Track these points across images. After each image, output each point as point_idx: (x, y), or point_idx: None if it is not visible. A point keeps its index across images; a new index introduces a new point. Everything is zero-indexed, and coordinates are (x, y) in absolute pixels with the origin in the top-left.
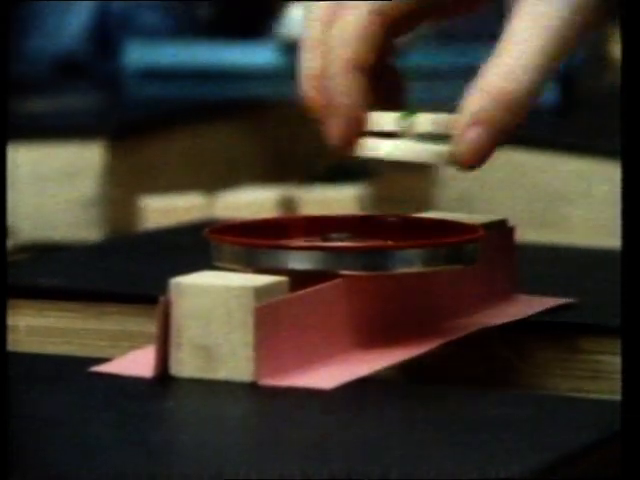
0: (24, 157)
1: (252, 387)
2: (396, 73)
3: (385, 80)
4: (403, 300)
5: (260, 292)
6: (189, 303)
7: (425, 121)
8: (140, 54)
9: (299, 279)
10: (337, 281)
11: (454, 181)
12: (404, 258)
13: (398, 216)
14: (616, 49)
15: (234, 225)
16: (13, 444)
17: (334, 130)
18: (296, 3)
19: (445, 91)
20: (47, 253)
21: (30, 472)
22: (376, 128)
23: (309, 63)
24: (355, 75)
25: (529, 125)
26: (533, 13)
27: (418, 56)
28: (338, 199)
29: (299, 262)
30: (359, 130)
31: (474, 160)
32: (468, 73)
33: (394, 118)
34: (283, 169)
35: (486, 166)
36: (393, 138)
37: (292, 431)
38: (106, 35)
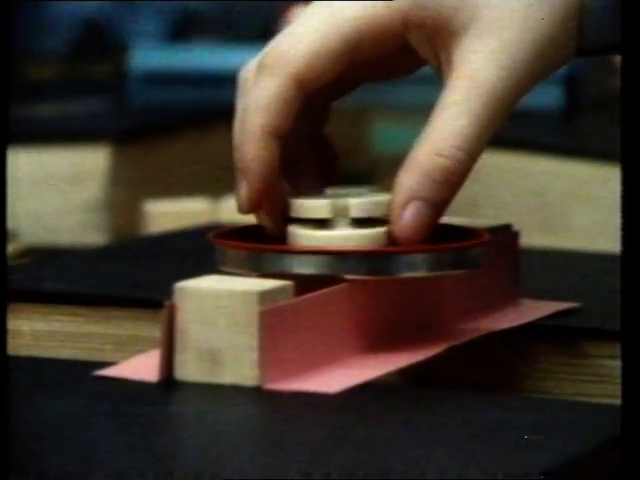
0: (29, 161)
1: (256, 391)
2: (329, 145)
3: (319, 152)
4: (407, 305)
5: (264, 296)
6: (194, 307)
7: (358, 206)
8: (145, 59)
9: (304, 283)
10: (342, 285)
11: None
12: (409, 262)
13: None
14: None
15: (239, 229)
16: (17, 448)
17: (240, 193)
18: (299, 7)
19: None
20: (52, 257)
21: (32, 476)
22: (309, 215)
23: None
24: (267, 142)
25: (533, 130)
26: (465, 82)
27: None
28: None
29: (304, 266)
30: (265, 196)
31: (415, 237)
32: None
33: (326, 206)
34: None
35: (490, 171)
36: (325, 226)
37: (296, 435)
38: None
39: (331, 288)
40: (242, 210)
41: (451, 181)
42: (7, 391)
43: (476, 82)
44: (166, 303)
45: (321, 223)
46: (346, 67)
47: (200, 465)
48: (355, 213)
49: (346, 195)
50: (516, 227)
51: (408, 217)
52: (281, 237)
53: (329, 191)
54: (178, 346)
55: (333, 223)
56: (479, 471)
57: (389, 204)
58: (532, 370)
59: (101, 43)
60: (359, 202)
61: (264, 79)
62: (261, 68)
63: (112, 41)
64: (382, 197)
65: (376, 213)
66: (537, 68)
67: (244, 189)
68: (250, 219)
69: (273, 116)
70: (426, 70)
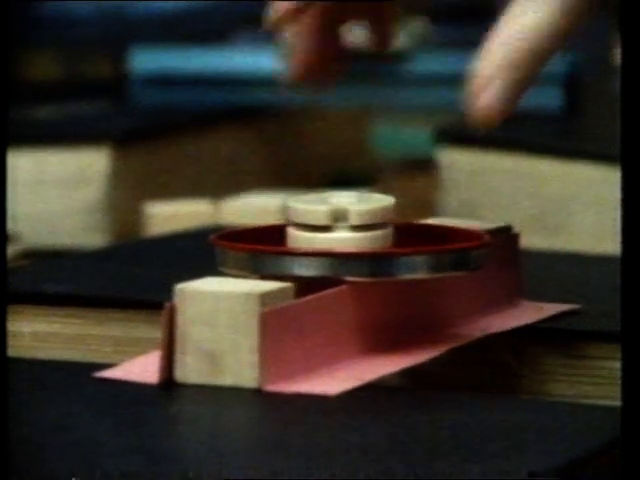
0: (29, 163)
1: (257, 393)
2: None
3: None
4: (408, 306)
5: (265, 298)
6: (194, 309)
7: (357, 214)
8: (146, 60)
9: (304, 285)
10: (342, 287)
11: (458, 188)
12: (409, 264)
13: (403, 222)
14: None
15: (240, 231)
16: (16, 450)
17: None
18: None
19: (449, 97)
20: (52, 259)
21: (32, 478)
22: (308, 222)
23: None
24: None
25: (533, 131)
26: None
27: (422, 62)
28: None
29: (304, 268)
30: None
31: (493, 116)
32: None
33: (325, 212)
34: (289, 175)
35: (490, 172)
36: (325, 229)
37: (296, 437)
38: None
39: (332, 290)
40: (270, 24)
41: (529, 62)
42: (7, 393)
43: None
44: (166, 305)
45: (321, 227)
46: None
47: (200, 467)
48: (354, 221)
49: (346, 199)
50: (516, 228)
51: (488, 94)
52: (281, 237)
53: (328, 194)
54: (178, 348)
55: (332, 228)
56: (479, 473)
57: (389, 210)
58: (532, 372)
59: (102, 44)
60: (358, 209)
61: None
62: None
63: (113, 42)
64: (381, 203)
65: (375, 220)
66: None
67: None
68: (250, 221)
69: None
70: (433, 72)
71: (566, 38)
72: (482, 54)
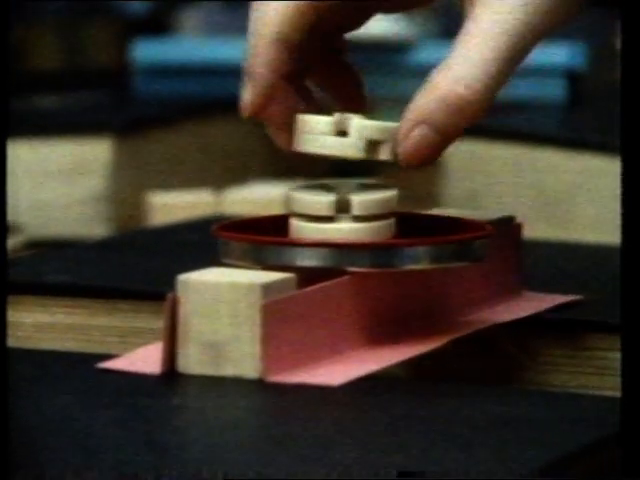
0: (31, 153)
1: (259, 384)
2: (353, 72)
3: (341, 78)
4: (410, 297)
5: (267, 289)
6: (196, 300)
7: (360, 204)
8: (148, 50)
9: (306, 276)
10: (344, 278)
11: (461, 178)
12: (412, 255)
13: (405, 213)
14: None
15: (242, 222)
16: (18, 440)
17: (245, 95)
18: None
19: None
20: (54, 249)
21: (35, 468)
22: (310, 212)
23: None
24: (277, 48)
25: (537, 121)
26: (489, 14)
27: (422, 53)
28: None
29: (307, 259)
30: (269, 101)
31: (418, 160)
32: None
33: (328, 203)
34: (291, 165)
35: (492, 163)
36: (328, 220)
37: (298, 428)
38: None
39: (334, 281)
40: (245, 112)
41: (465, 111)
42: (7, 383)
43: (500, 14)
44: (169, 295)
45: (323, 217)
46: None
47: (202, 457)
48: (357, 211)
49: (349, 188)
50: (518, 219)
51: (414, 138)
52: (283, 228)
53: (331, 182)
54: (181, 338)
55: (335, 219)
56: (480, 463)
57: (391, 200)
58: (534, 362)
59: (104, 33)
60: (361, 200)
61: None
62: None
63: (115, 31)
64: (384, 193)
65: (378, 211)
66: (561, 8)
67: (249, 91)
68: (253, 211)
69: (286, 25)
70: (435, 64)
71: (511, 76)
72: (424, 89)
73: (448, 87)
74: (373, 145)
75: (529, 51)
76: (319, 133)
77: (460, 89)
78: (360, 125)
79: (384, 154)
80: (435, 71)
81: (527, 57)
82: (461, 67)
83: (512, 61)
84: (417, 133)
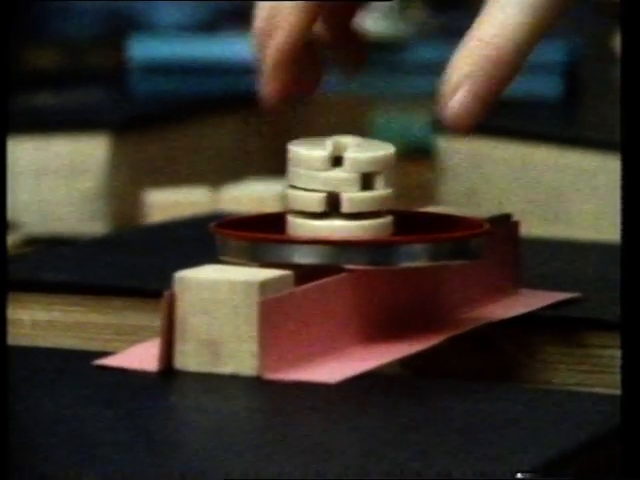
0: (29, 151)
1: (256, 381)
2: (356, 32)
3: (346, 40)
4: (408, 295)
5: (265, 286)
6: (193, 297)
7: (351, 202)
8: (145, 48)
9: (304, 273)
10: (342, 275)
11: (458, 176)
12: (409, 252)
13: (403, 211)
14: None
15: (239, 219)
16: (16, 437)
17: (265, 85)
18: None
19: None
20: (52, 247)
21: (32, 467)
22: (304, 208)
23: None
24: (299, 13)
25: (533, 119)
26: None
27: (421, 50)
28: None
29: (304, 256)
30: (293, 55)
31: (461, 123)
32: None
33: (320, 199)
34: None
35: (490, 160)
36: (324, 216)
37: (296, 426)
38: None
39: (331, 278)
40: (270, 100)
41: (505, 63)
42: (7, 381)
43: None
44: (166, 293)
45: (319, 214)
46: None
47: (199, 455)
48: (347, 209)
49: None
50: (516, 217)
51: (455, 102)
52: (281, 225)
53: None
54: (178, 336)
55: (331, 215)
56: (478, 461)
57: (388, 198)
58: (532, 360)
59: (102, 32)
60: (352, 197)
61: None
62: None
63: (112, 30)
64: (378, 192)
65: (375, 208)
66: None
67: (268, 79)
68: (250, 209)
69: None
70: (435, 61)
71: (542, 37)
72: (455, 58)
73: (487, 40)
74: (368, 178)
75: (564, 9)
76: (313, 170)
77: (499, 41)
78: (354, 160)
79: (379, 186)
80: (472, 28)
81: (561, 16)
82: (497, 20)
83: (546, 16)
84: (461, 95)
